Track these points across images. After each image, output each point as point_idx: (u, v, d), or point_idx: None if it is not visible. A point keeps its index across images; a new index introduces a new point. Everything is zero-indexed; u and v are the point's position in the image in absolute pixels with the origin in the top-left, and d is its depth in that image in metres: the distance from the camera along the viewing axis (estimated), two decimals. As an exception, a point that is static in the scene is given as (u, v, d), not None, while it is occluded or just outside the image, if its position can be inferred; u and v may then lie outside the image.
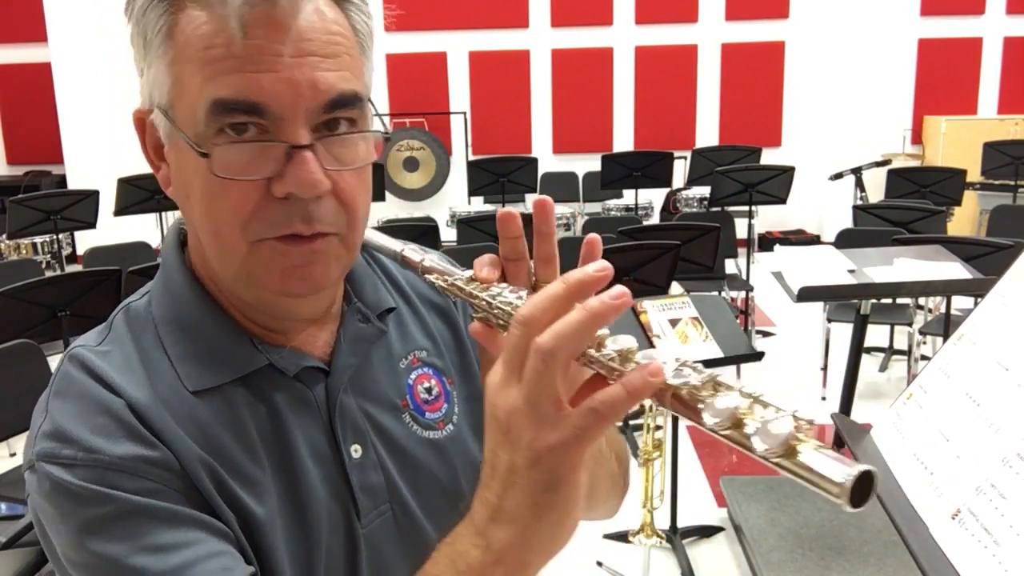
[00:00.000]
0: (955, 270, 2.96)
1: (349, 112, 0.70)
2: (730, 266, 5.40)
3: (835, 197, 7.29)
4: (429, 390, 0.85)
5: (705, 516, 3.46)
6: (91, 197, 5.41)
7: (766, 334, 5.62)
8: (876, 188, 6.18)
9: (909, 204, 5.02)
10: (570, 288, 0.55)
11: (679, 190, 7.05)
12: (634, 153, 7.09)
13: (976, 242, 3.76)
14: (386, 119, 8.07)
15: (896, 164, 6.49)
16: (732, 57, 8.10)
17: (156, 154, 0.73)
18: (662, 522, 3.12)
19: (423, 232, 4.49)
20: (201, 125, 0.66)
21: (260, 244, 0.69)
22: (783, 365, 5.06)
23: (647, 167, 6.40)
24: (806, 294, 2.90)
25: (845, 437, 1.29)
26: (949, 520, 0.94)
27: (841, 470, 0.47)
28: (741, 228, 5.61)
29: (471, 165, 6.77)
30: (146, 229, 6.16)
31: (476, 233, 4.72)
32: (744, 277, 5.40)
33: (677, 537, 3.20)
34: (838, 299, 4.27)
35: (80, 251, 6.81)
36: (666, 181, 6.57)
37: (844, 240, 4.37)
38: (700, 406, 0.52)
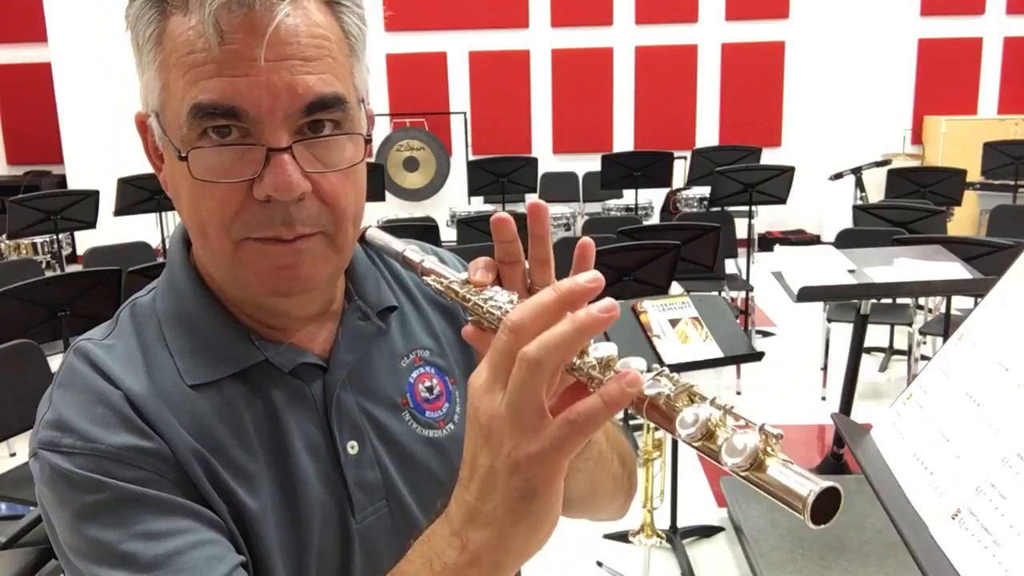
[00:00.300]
0: (955, 270, 2.96)
1: (331, 114, 0.70)
2: (730, 266, 5.39)
3: (835, 197, 7.29)
4: (430, 389, 0.85)
5: (705, 516, 3.46)
6: (91, 197, 5.41)
7: (766, 334, 5.62)
8: (876, 188, 6.18)
9: (909, 204, 5.02)
10: (561, 297, 0.55)
11: (679, 190, 7.05)
12: (634, 153, 7.09)
13: (976, 242, 3.76)
14: (386, 119, 8.08)
15: (896, 164, 6.49)
16: (732, 57, 8.10)
17: (157, 156, 0.75)
18: (662, 522, 3.12)
19: (423, 232, 4.49)
20: (184, 129, 0.68)
21: (244, 244, 0.70)
22: (783, 365, 5.06)
23: (647, 167, 6.40)
24: (806, 294, 2.90)
25: (845, 437, 1.29)
26: (949, 520, 0.94)
27: (805, 486, 0.47)
28: (741, 228, 5.61)
29: (471, 165, 6.77)
30: (146, 229, 6.16)
31: (476, 233, 4.72)
32: (744, 277, 5.40)
33: (677, 537, 3.20)
34: (838, 299, 4.27)
35: (80, 251, 6.81)
36: (666, 181, 6.56)
37: (844, 240, 4.37)
38: (673, 416, 0.52)
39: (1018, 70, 7.93)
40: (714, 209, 5.73)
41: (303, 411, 0.78)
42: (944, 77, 7.94)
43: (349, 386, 0.80)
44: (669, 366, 0.59)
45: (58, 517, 0.70)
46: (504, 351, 0.55)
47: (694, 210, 6.56)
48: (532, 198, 7.28)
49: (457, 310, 0.90)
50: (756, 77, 8.10)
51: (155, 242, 6.06)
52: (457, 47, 8.13)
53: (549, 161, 8.11)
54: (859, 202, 6.19)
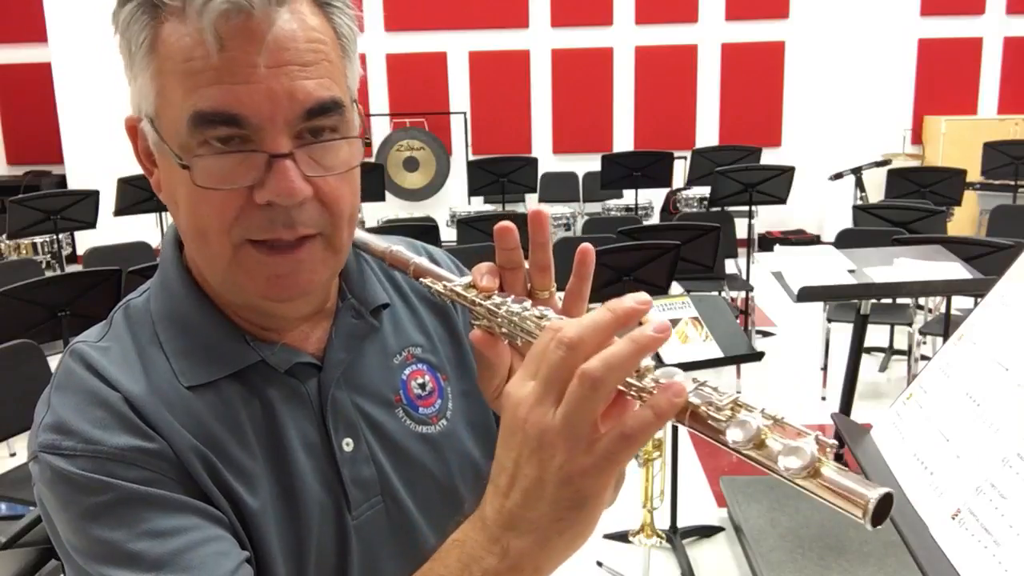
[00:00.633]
0: (955, 270, 2.96)
1: (329, 118, 0.71)
2: (730, 266, 5.39)
3: (835, 197, 7.29)
4: (423, 386, 0.86)
5: (705, 516, 3.46)
6: (91, 197, 5.41)
7: (766, 334, 5.62)
8: (876, 188, 6.18)
9: (909, 204, 5.01)
10: (617, 317, 0.57)
11: (679, 190, 7.05)
12: (634, 153, 7.09)
13: (976, 242, 3.76)
14: (386, 119, 8.09)
15: (896, 164, 6.49)
16: (732, 57, 8.10)
17: (148, 159, 0.75)
18: (662, 522, 3.12)
19: (423, 232, 4.49)
20: (184, 136, 0.68)
21: (243, 248, 0.71)
22: (783, 365, 5.06)
23: (647, 167, 6.40)
24: (806, 294, 2.90)
25: (845, 437, 1.29)
26: (949, 520, 0.94)
27: (863, 492, 0.50)
28: (741, 228, 5.61)
29: (471, 165, 6.77)
30: (146, 229, 6.16)
31: (476, 233, 4.71)
32: (744, 277, 5.40)
33: (677, 537, 3.20)
34: (838, 299, 4.27)
35: (80, 251, 6.81)
36: (666, 181, 6.56)
37: (844, 240, 4.37)
38: (722, 426, 0.54)
39: (1018, 70, 7.93)
40: (714, 209, 5.73)
41: (299, 410, 0.78)
42: (944, 77, 7.93)
43: (343, 384, 0.81)
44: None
45: (61, 519, 0.70)
46: (559, 366, 0.56)
47: (694, 210, 6.56)
48: (532, 198, 7.29)
49: (448, 308, 0.91)
50: (756, 77, 8.10)
51: (155, 242, 6.05)
52: (457, 47, 8.13)
53: (549, 161, 8.11)
54: (859, 202, 6.19)
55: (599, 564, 3.14)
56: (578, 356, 0.56)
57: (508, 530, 0.59)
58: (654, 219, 7.17)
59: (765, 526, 3.17)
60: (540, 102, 8.25)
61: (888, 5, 7.76)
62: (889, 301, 4.67)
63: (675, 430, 3.06)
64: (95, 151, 7.46)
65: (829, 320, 4.67)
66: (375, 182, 6.22)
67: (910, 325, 4.56)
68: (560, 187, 7.67)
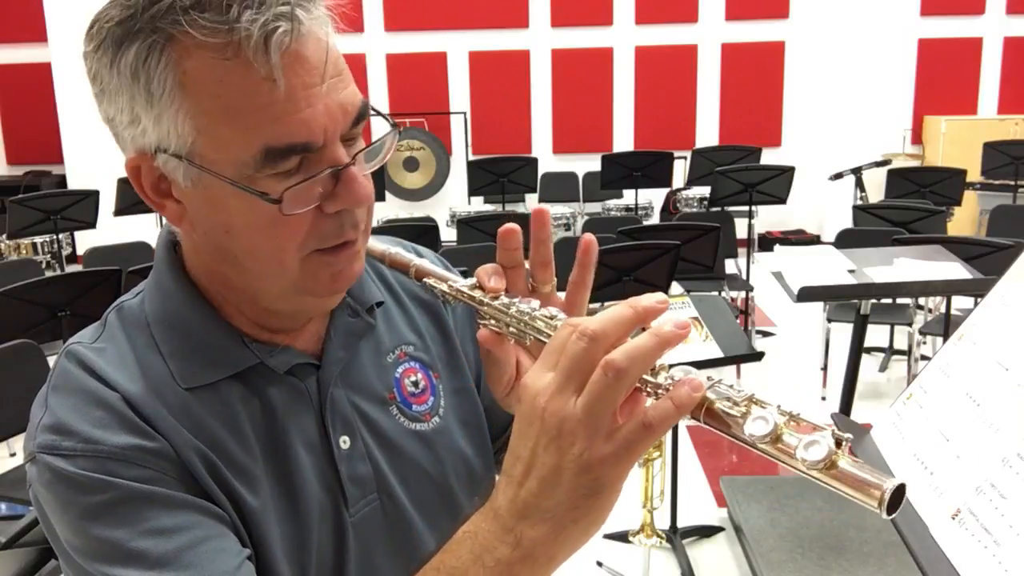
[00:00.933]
0: (955, 270, 2.96)
1: (363, 121, 0.73)
2: (730, 266, 5.39)
3: (835, 197, 7.29)
4: (416, 383, 0.87)
5: (705, 516, 3.46)
6: (91, 197, 5.41)
7: (766, 334, 5.62)
8: (876, 188, 6.18)
9: (909, 204, 5.01)
10: (637, 314, 0.60)
11: (679, 190, 7.05)
12: (634, 153, 7.08)
13: (976, 242, 3.76)
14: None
15: (896, 164, 6.49)
16: (732, 57, 8.10)
17: (157, 194, 0.73)
18: (662, 522, 3.12)
19: (423, 232, 4.48)
20: (250, 170, 0.67)
21: (310, 257, 0.72)
22: (783, 365, 5.06)
23: (647, 167, 6.40)
24: (806, 294, 2.90)
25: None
26: (949, 520, 0.94)
27: (879, 483, 0.52)
28: (741, 228, 5.61)
29: (471, 165, 6.77)
30: (146, 229, 6.16)
31: (476, 233, 4.71)
32: (744, 277, 5.40)
33: (677, 537, 3.20)
34: (838, 299, 4.27)
35: (80, 251, 6.81)
36: (666, 181, 6.56)
37: (844, 240, 4.37)
38: (739, 421, 0.56)
39: (1018, 70, 7.93)
40: (714, 209, 5.73)
41: (301, 409, 0.79)
42: (944, 77, 7.93)
43: (340, 382, 0.82)
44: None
45: (61, 521, 0.70)
46: (581, 357, 0.58)
47: (694, 210, 6.56)
48: (532, 198, 7.29)
49: (438, 307, 0.93)
50: (756, 77, 8.10)
51: (155, 242, 6.05)
52: (457, 47, 8.12)
53: (549, 161, 8.10)
54: (859, 202, 6.19)
55: (599, 564, 3.14)
56: (600, 348, 0.58)
57: (522, 519, 0.60)
58: (654, 219, 7.17)
59: (765, 526, 3.17)
60: (540, 102, 8.24)
61: (888, 5, 7.76)
62: (889, 301, 4.67)
63: (675, 431, 3.06)
64: (95, 151, 7.45)
65: (829, 320, 4.67)
66: (375, 182, 6.06)
67: (910, 325, 4.56)
68: (560, 187, 7.67)
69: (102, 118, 0.72)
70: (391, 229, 4.81)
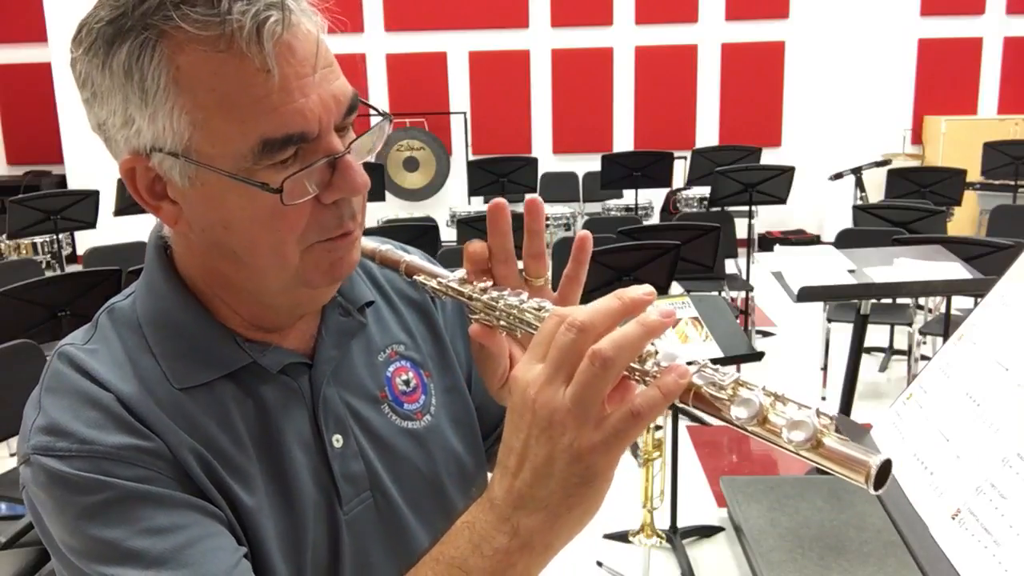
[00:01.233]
0: (955, 270, 2.96)
1: (353, 112, 0.73)
2: (730, 266, 5.39)
3: (835, 197, 7.29)
4: (407, 382, 0.88)
5: (705, 516, 3.46)
6: (91, 197, 5.41)
7: (766, 334, 5.62)
8: (876, 188, 6.18)
9: (909, 204, 5.01)
10: (624, 305, 0.60)
11: (679, 190, 7.05)
12: (634, 153, 7.08)
13: (976, 242, 3.76)
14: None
15: (896, 164, 6.49)
16: (732, 57, 8.10)
17: (152, 196, 0.73)
18: (662, 522, 3.12)
19: (423, 232, 4.49)
20: (248, 162, 0.67)
21: (311, 248, 0.73)
22: (783, 365, 5.06)
23: (647, 167, 6.40)
24: (806, 294, 2.90)
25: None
26: (949, 520, 0.94)
27: (865, 459, 0.53)
28: (741, 228, 5.61)
29: (471, 165, 6.77)
30: (146, 229, 6.02)
31: (476, 233, 4.69)
32: (744, 277, 5.40)
33: (677, 537, 3.20)
34: (838, 299, 4.27)
35: (80, 251, 6.81)
36: (666, 181, 6.56)
37: (844, 240, 4.37)
38: (726, 404, 0.57)
39: (1018, 70, 7.93)
40: (714, 209, 5.73)
41: (294, 407, 0.79)
42: (944, 77, 7.93)
43: (332, 381, 0.82)
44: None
45: (57, 522, 0.70)
46: (569, 348, 0.59)
47: (694, 210, 6.56)
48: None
49: (428, 306, 0.93)
50: (756, 77, 8.10)
51: (155, 242, 6.04)
52: (457, 47, 8.13)
53: (549, 161, 8.10)
54: (859, 202, 6.19)
55: (599, 564, 3.14)
56: (588, 338, 0.58)
57: (518, 509, 0.61)
58: (654, 219, 7.17)
59: (765, 526, 3.17)
60: (540, 102, 8.24)
61: (888, 5, 7.76)
62: (889, 301, 4.67)
63: (675, 431, 3.06)
64: (95, 151, 7.38)
65: (829, 320, 4.67)
66: (375, 182, 6.17)
67: (910, 325, 4.56)
68: (560, 187, 7.67)
69: (92, 125, 0.72)
70: (391, 229, 4.81)
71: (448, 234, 5.90)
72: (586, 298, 0.76)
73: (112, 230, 5.63)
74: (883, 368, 5.02)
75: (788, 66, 8.09)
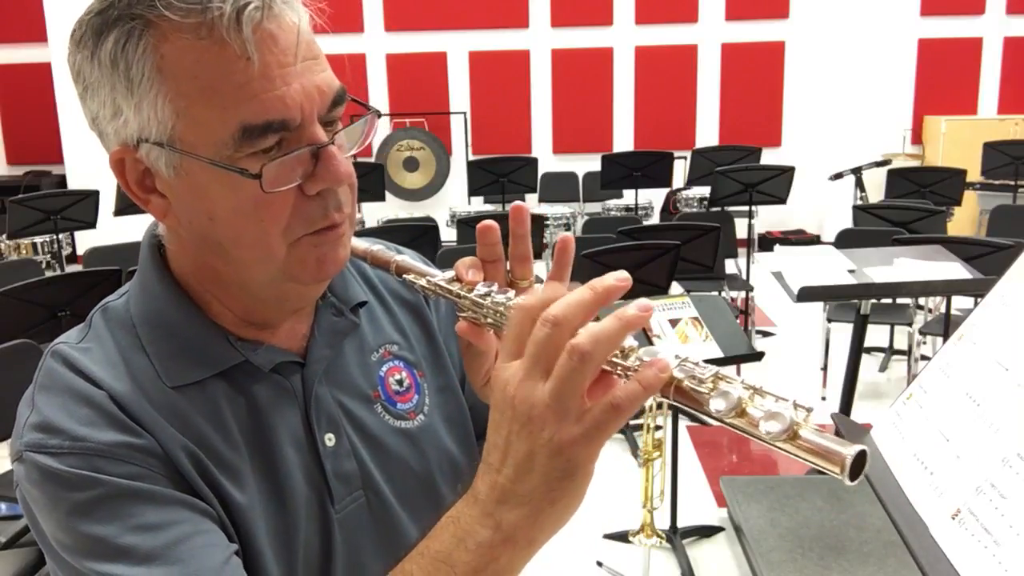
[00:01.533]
0: (955, 270, 2.96)
1: (341, 106, 0.74)
2: (730, 266, 5.39)
3: (835, 197, 7.29)
4: (400, 382, 0.88)
5: (705, 516, 3.46)
6: (91, 197, 5.41)
7: (766, 334, 5.62)
8: (876, 188, 6.18)
9: (909, 204, 5.01)
10: (597, 295, 0.60)
11: (679, 190, 7.05)
12: (634, 153, 7.08)
13: (976, 242, 3.76)
14: (386, 119, 8.08)
15: (896, 164, 6.49)
16: (732, 57, 8.10)
17: (142, 189, 0.73)
18: (662, 522, 3.12)
19: (423, 232, 4.48)
20: (229, 150, 0.68)
21: (297, 242, 0.73)
22: (783, 365, 5.06)
23: (647, 167, 6.40)
24: (806, 294, 2.90)
25: (845, 437, 1.28)
26: (949, 520, 0.94)
27: (840, 450, 0.53)
28: (741, 228, 5.61)
29: (471, 165, 6.77)
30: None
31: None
32: (744, 277, 5.40)
33: (677, 537, 3.20)
34: (838, 299, 4.27)
35: (80, 251, 6.81)
36: (666, 181, 6.56)
37: (844, 240, 4.37)
38: (705, 397, 0.57)
39: (1018, 70, 7.93)
40: (714, 209, 5.73)
41: (286, 406, 0.80)
42: (944, 77, 7.93)
43: (324, 380, 0.83)
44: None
45: (49, 519, 0.70)
46: (545, 343, 0.59)
47: (694, 210, 6.56)
48: (532, 198, 7.29)
49: (421, 307, 0.94)
50: (756, 77, 8.10)
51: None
52: (457, 47, 8.12)
53: (549, 161, 8.10)
54: (859, 202, 6.19)
55: (599, 564, 3.14)
56: (564, 333, 0.59)
57: (501, 504, 0.61)
58: (654, 219, 7.17)
59: (765, 526, 3.17)
60: (540, 102, 8.24)
61: (888, 5, 7.76)
62: (889, 301, 4.67)
63: (675, 431, 3.06)
64: (95, 151, 7.39)
65: (829, 320, 4.67)
66: (375, 182, 6.22)
67: (910, 325, 4.56)
68: (560, 187, 7.67)
69: (88, 121, 0.73)
70: (391, 229, 4.81)
71: (448, 234, 5.90)
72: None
73: (112, 230, 5.62)
74: (883, 368, 5.02)
75: (788, 66, 8.09)
